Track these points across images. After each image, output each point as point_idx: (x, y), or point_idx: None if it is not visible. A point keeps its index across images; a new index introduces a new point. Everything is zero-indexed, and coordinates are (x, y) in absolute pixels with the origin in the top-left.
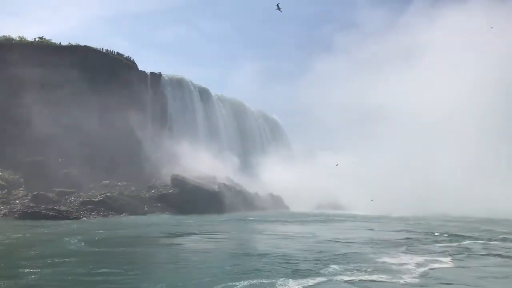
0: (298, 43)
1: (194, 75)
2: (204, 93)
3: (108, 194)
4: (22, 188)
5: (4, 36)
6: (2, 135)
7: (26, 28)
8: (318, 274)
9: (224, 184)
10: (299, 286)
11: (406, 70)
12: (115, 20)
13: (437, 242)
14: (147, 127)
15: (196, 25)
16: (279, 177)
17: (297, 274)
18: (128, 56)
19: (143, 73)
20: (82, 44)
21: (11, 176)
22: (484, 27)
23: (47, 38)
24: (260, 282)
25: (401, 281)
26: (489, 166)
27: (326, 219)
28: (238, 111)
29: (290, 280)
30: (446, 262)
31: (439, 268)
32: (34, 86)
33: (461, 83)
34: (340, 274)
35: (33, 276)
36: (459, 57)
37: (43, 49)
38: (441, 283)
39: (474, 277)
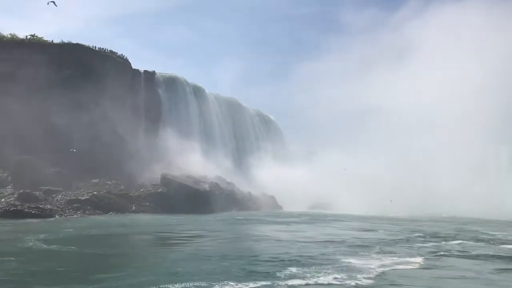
0: (291, 43)
1: (194, 75)
2: (198, 92)
3: (95, 192)
4: (10, 187)
5: None
6: None
7: (24, 28)
8: (270, 277)
9: (216, 184)
10: None
11: (400, 69)
12: (116, 19)
13: (417, 242)
14: (140, 125)
15: (197, 25)
16: (274, 176)
17: (249, 276)
18: (122, 54)
19: (136, 71)
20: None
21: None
22: (480, 26)
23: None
24: (196, 285)
25: (353, 282)
26: (488, 168)
27: (316, 219)
28: (233, 110)
29: (232, 282)
30: (414, 263)
31: (402, 269)
32: (21, 84)
33: (460, 85)
34: (294, 277)
35: None
36: (457, 58)
37: (31, 47)
38: (393, 284)
39: (432, 278)
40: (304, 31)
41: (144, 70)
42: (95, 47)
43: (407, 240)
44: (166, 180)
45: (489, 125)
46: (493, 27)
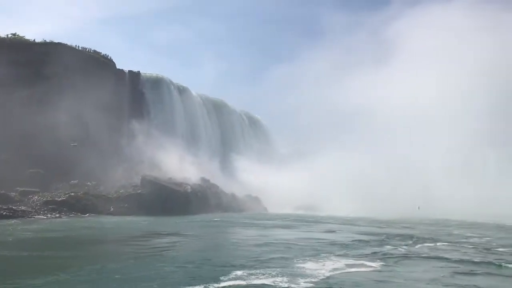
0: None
1: (184, 76)
2: (184, 92)
3: (72, 194)
4: None
5: None
6: None
7: (20, 28)
8: (212, 280)
9: (199, 185)
10: None
11: (386, 70)
12: (110, 20)
13: (387, 245)
14: (124, 126)
15: (191, 25)
16: (260, 178)
17: (193, 280)
18: (106, 54)
19: (121, 71)
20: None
21: None
22: (467, 27)
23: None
24: None
25: (294, 285)
26: (477, 170)
27: (296, 221)
28: (219, 111)
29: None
30: (370, 266)
31: (354, 271)
32: (7, 83)
33: (447, 87)
34: (238, 279)
35: None
36: (443, 60)
37: (14, 45)
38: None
39: (377, 281)
40: (287, 32)
41: (128, 70)
42: (78, 46)
43: (379, 242)
44: (146, 182)
45: (476, 127)
46: (479, 28)
